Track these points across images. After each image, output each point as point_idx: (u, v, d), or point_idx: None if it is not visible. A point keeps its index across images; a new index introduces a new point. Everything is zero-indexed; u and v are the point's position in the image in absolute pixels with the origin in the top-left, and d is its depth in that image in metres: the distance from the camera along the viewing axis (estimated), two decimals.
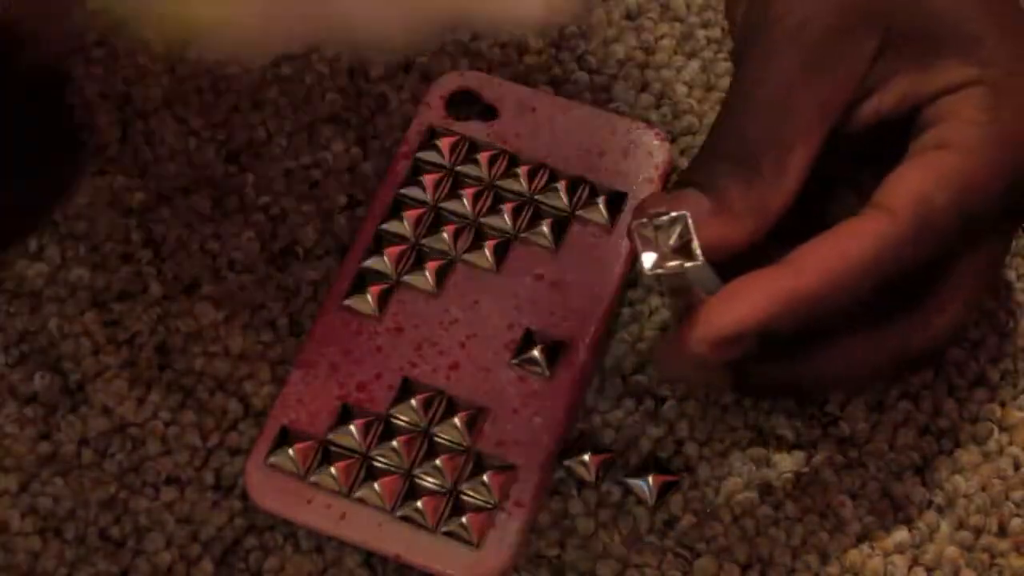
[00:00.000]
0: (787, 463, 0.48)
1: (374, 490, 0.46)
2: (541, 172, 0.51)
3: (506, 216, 0.50)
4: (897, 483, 0.47)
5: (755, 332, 0.41)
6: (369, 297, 0.49)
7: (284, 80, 0.55)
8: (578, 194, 0.51)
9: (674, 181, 0.49)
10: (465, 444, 0.47)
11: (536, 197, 0.51)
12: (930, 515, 0.47)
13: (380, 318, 0.49)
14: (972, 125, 0.43)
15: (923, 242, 0.42)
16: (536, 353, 0.48)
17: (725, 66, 0.54)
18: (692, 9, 0.56)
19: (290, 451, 0.46)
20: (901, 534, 0.47)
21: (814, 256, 0.41)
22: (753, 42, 0.44)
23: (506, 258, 0.50)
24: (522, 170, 0.51)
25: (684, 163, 0.52)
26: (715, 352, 0.41)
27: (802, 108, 0.43)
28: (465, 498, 0.46)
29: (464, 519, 0.45)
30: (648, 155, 0.52)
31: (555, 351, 0.48)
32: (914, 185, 0.42)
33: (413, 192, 0.51)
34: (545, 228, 0.50)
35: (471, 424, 0.47)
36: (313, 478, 0.46)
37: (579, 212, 0.50)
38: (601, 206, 0.50)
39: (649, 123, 0.52)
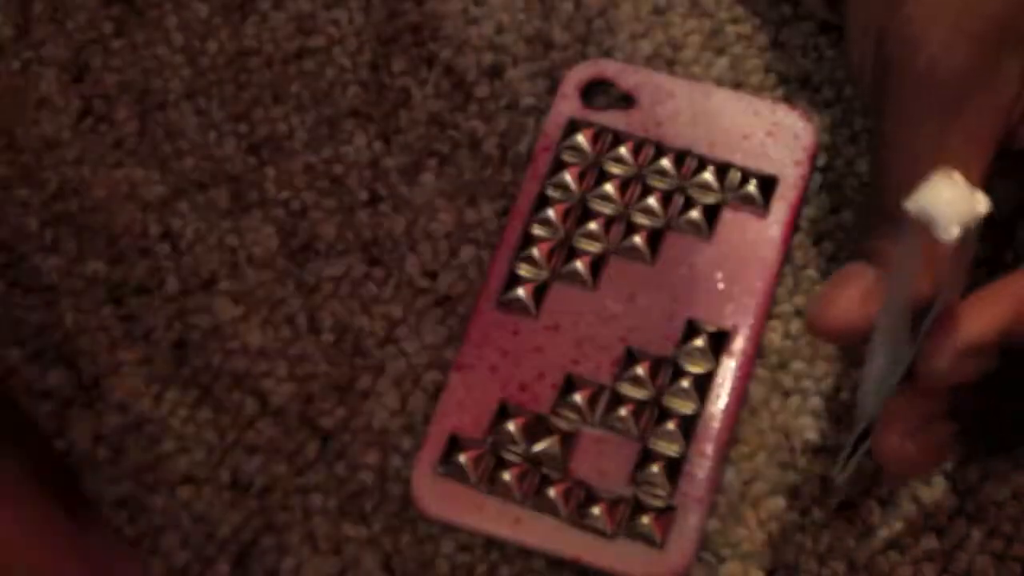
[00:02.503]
0: (814, 467, 0.47)
1: (549, 497, 0.45)
2: (688, 159, 0.50)
3: (656, 205, 0.49)
4: (926, 489, 0.47)
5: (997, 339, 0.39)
6: (524, 296, 0.48)
7: (306, 74, 0.54)
8: (728, 179, 0.50)
9: (850, 249, 0.47)
10: (635, 437, 0.46)
11: (685, 185, 0.50)
12: (960, 522, 0.46)
13: (537, 316, 0.48)
14: None
15: None
16: (700, 344, 0.47)
17: (754, 63, 0.53)
18: (722, 4, 0.55)
19: (461, 458, 0.46)
20: (930, 541, 0.46)
21: None
22: (885, 90, 0.42)
23: (660, 248, 0.49)
24: (668, 158, 0.50)
25: None
26: (963, 363, 0.39)
27: (953, 149, 0.41)
28: (641, 497, 0.45)
29: (645, 519, 0.45)
30: (794, 137, 0.50)
31: (719, 341, 0.47)
32: None
33: (558, 186, 0.50)
34: (697, 215, 0.49)
35: (638, 417, 0.46)
36: (485, 485, 0.46)
37: (731, 198, 0.49)
38: (754, 190, 0.49)
39: (792, 104, 0.51)
